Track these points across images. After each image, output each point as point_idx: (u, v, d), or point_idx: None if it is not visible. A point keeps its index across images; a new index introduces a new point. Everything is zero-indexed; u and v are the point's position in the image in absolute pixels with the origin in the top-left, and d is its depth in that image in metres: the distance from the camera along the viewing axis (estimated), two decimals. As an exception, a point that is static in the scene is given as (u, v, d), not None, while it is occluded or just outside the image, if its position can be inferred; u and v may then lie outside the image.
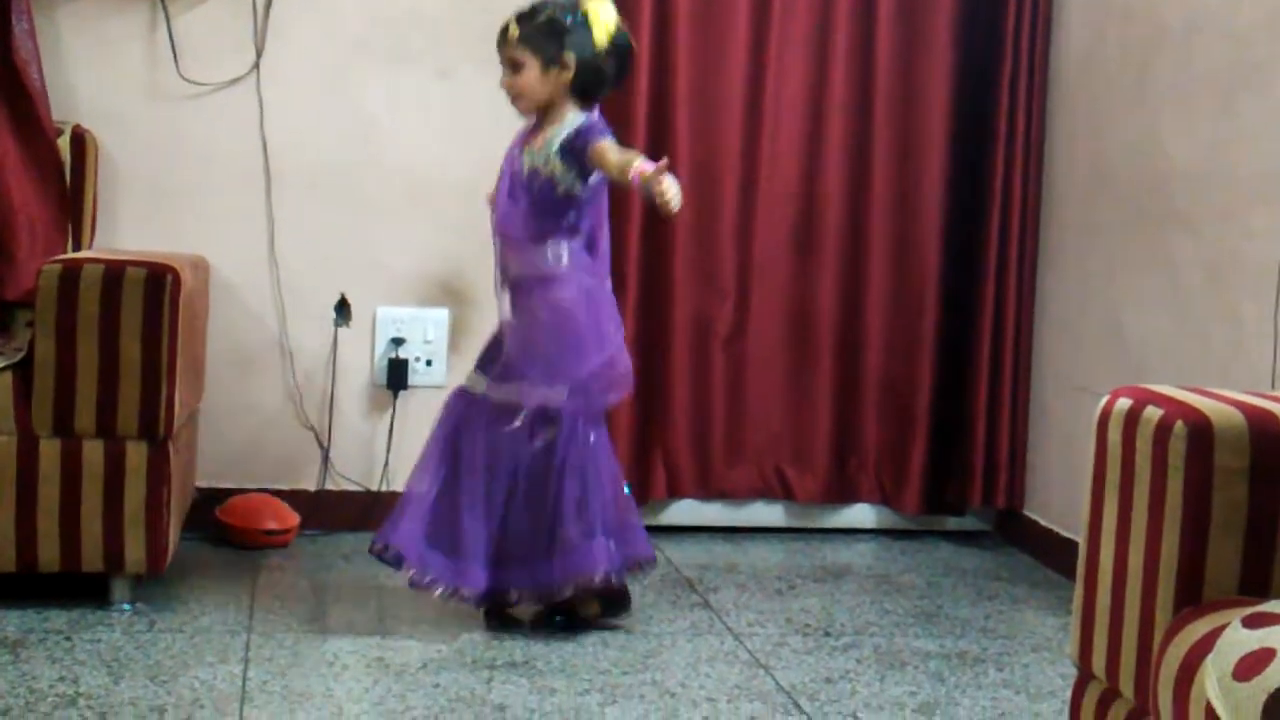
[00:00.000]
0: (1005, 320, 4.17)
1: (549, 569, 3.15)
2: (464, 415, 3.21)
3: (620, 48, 3.20)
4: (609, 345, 3.19)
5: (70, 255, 3.36)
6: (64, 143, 3.65)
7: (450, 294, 4.00)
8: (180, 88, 3.85)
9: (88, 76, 3.80)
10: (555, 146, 3.14)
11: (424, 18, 3.94)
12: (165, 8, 3.82)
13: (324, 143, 3.94)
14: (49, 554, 3.13)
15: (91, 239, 3.72)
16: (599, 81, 3.20)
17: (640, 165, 2.97)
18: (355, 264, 3.95)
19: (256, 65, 3.88)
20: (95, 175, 3.72)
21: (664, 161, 2.95)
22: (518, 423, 3.14)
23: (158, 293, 3.10)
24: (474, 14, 3.94)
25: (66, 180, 3.64)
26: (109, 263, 3.12)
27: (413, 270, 3.99)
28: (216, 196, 3.89)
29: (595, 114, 3.20)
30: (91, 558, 3.15)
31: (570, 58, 3.15)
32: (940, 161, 4.18)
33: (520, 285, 3.20)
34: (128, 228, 3.83)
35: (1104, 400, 2.11)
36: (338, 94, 3.94)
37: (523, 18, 3.20)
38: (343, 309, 3.95)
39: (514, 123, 3.93)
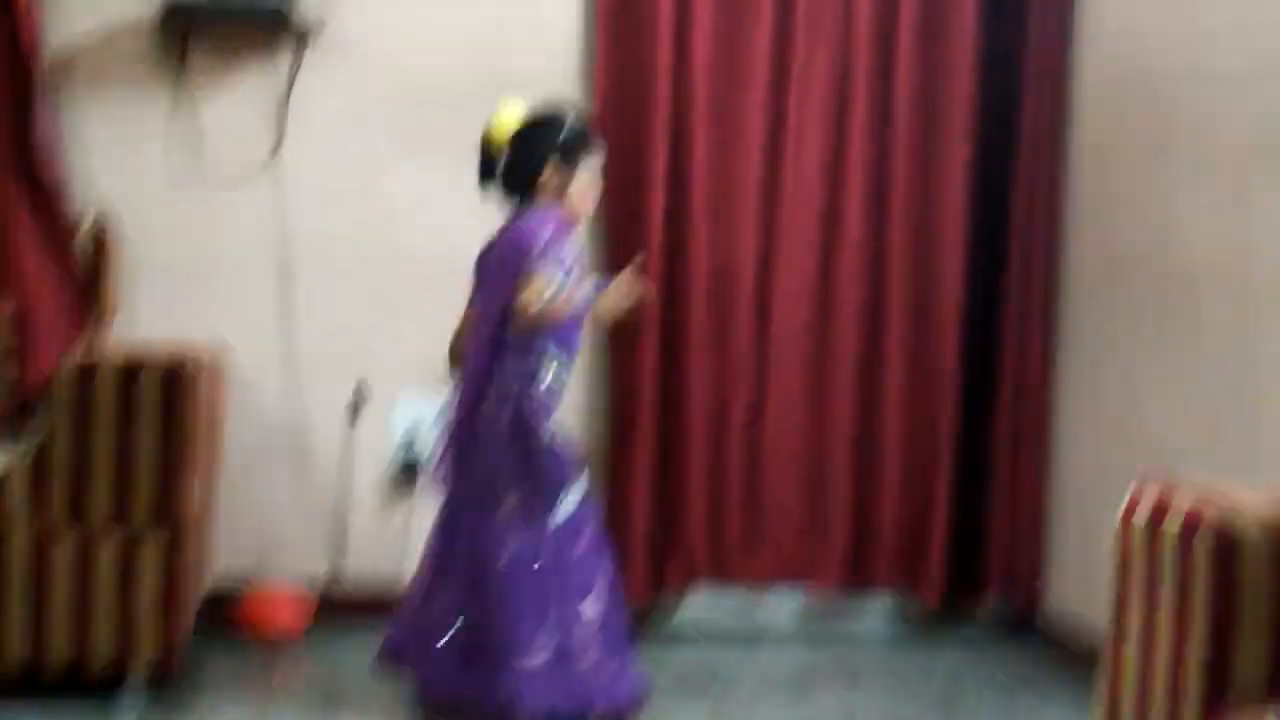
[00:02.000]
0: (1024, 411, 4.15)
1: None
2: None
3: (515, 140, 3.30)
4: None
5: (88, 348, 3.36)
6: (85, 232, 3.66)
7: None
8: (201, 178, 3.87)
9: (110, 166, 3.82)
10: None
11: (444, 103, 3.95)
12: (186, 98, 3.85)
13: (344, 229, 3.95)
14: (60, 647, 3.11)
15: (111, 326, 3.72)
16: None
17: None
18: (374, 351, 3.95)
19: (277, 153, 3.90)
20: (115, 264, 3.73)
21: None
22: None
23: (175, 386, 3.10)
24: (497, 95, 3.95)
25: (84, 270, 3.64)
26: (127, 356, 3.12)
27: (431, 357, 3.97)
28: (235, 285, 3.90)
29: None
30: (104, 651, 3.13)
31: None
32: (958, 248, 4.17)
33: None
34: (147, 316, 3.83)
35: (1126, 500, 2.09)
36: (359, 180, 3.96)
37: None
38: (360, 398, 3.94)
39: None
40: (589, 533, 3.20)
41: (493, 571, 3.09)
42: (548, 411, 3.17)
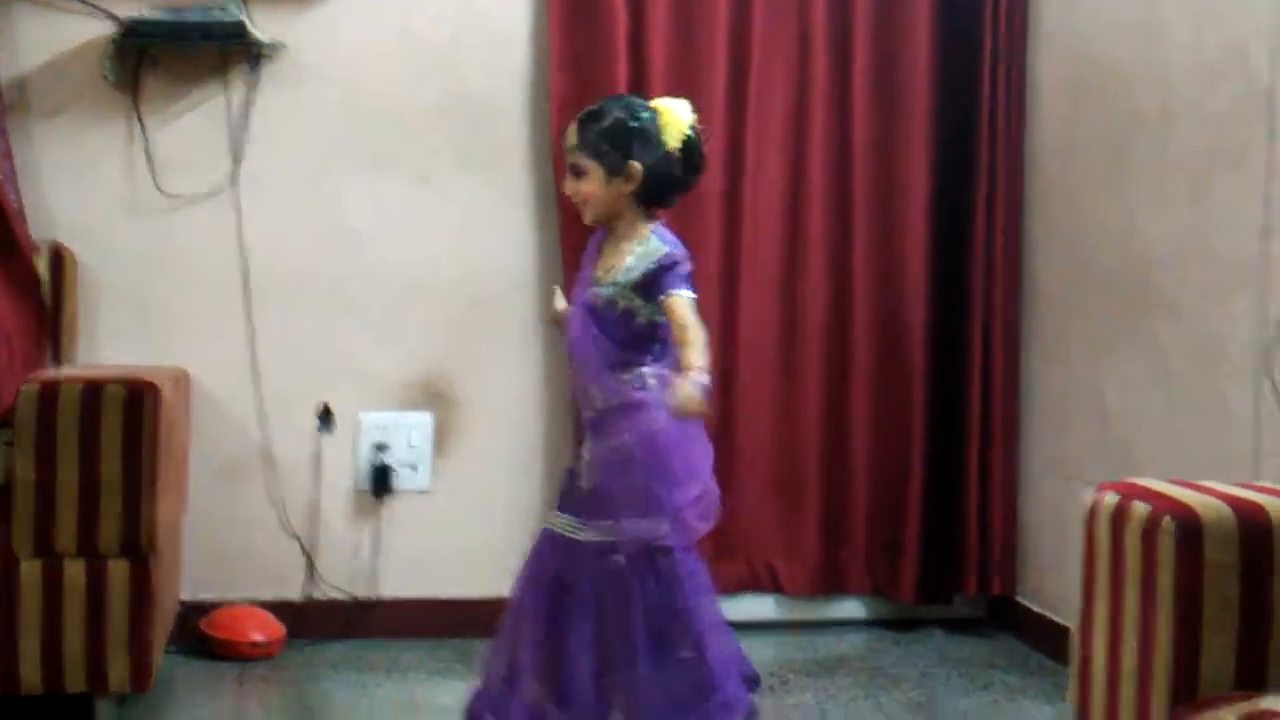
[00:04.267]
0: (993, 407, 4.17)
1: (700, 715, 2.90)
2: (564, 561, 2.93)
3: (692, 149, 2.97)
4: (701, 472, 2.97)
5: (49, 373, 3.34)
6: (43, 260, 3.64)
7: (434, 398, 3.99)
8: (158, 201, 3.85)
9: (66, 193, 3.80)
10: (631, 280, 2.91)
11: (403, 121, 3.95)
12: (142, 121, 3.83)
13: (304, 250, 3.94)
14: (31, 675, 3.08)
15: (73, 354, 3.71)
16: (669, 190, 2.98)
17: (696, 377, 2.77)
18: (337, 370, 3.94)
19: (234, 175, 3.89)
20: (75, 291, 3.72)
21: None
22: (620, 560, 2.89)
23: (137, 409, 3.08)
24: (454, 116, 3.97)
25: (45, 297, 3.63)
26: (87, 381, 3.10)
27: (395, 375, 3.98)
28: (197, 308, 3.88)
29: (672, 243, 2.95)
30: (74, 678, 3.10)
31: (636, 167, 2.91)
32: (921, 249, 4.18)
33: (607, 415, 2.94)
34: (108, 342, 3.82)
35: (1091, 496, 2.10)
36: (317, 201, 3.95)
37: (586, 119, 2.97)
38: (326, 417, 3.94)
39: (496, 225, 3.98)
40: None
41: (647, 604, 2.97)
42: None
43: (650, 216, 2.98)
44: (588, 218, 2.99)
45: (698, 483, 2.95)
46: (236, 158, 3.89)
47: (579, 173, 2.95)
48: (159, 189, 3.84)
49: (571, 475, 3.02)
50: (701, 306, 4.00)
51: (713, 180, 4.06)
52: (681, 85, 4.02)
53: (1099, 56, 3.84)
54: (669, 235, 2.96)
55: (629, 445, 2.91)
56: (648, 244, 2.92)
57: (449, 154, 3.97)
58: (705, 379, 2.77)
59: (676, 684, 2.88)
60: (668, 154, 2.93)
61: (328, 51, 3.91)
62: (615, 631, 2.86)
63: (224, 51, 3.84)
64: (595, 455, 2.95)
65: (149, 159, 3.84)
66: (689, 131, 2.95)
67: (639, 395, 2.91)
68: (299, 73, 3.90)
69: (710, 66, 4.05)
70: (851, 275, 4.17)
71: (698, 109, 3.91)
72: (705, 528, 2.99)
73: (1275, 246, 3.11)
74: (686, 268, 2.92)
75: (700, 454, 2.98)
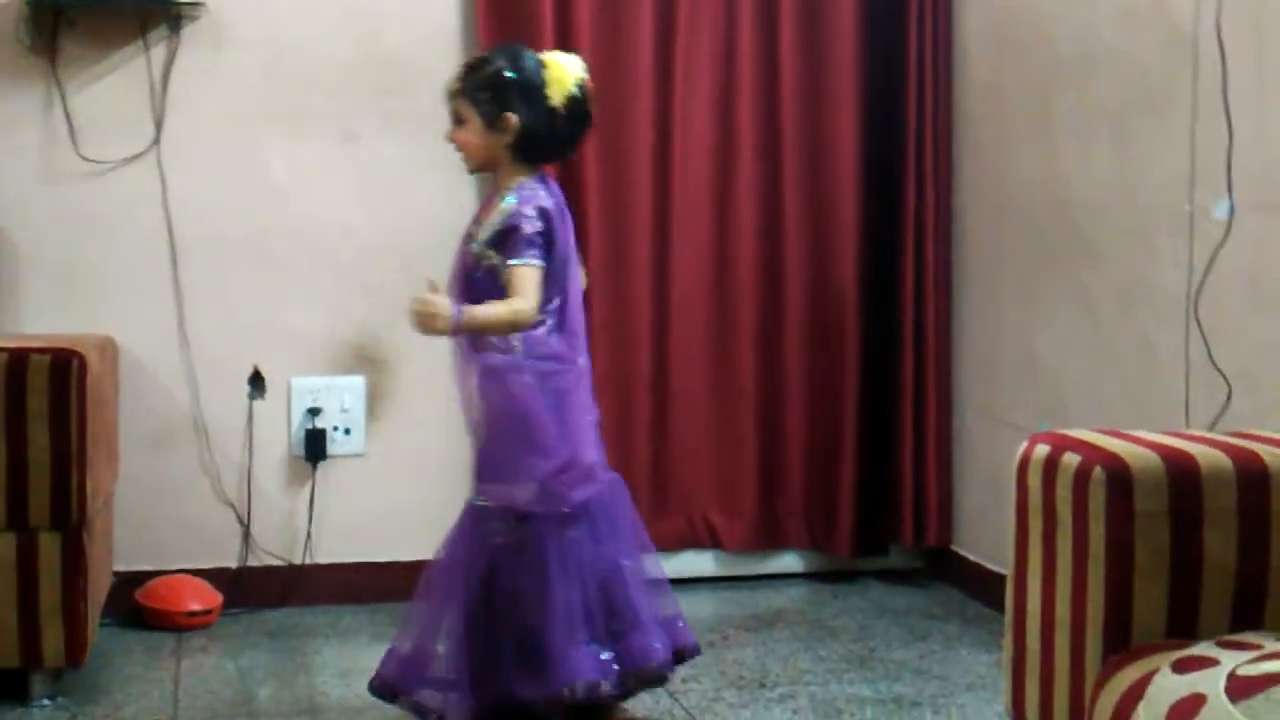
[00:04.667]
0: (925, 356, 4.19)
1: (527, 682, 2.83)
2: (463, 527, 2.93)
3: (577, 106, 2.90)
4: (571, 440, 2.89)
5: (-28, 344, 3.29)
6: (-39, 228, 3.58)
7: (366, 361, 3.96)
8: (79, 166, 3.79)
9: (-17, 158, 3.74)
10: (488, 237, 2.86)
11: (324, 81, 3.90)
12: (60, 86, 3.76)
13: (229, 213, 3.89)
14: (-37, 652, 3.05)
15: (-6, 324, 3.66)
16: (546, 146, 2.92)
17: (448, 305, 2.77)
18: (267, 335, 3.90)
19: (156, 139, 3.83)
20: (-5, 259, 3.66)
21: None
22: (496, 525, 2.87)
23: (63, 378, 3.04)
24: (375, 75, 3.92)
25: (-34, 267, 3.57)
26: (12, 351, 3.05)
27: (326, 338, 3.95)
28: (122, 274, 3.83)
29: (528, 200, 2.86)
30: (7, 653, 3.07)
31: (512, 120, 2.86)
32: (851, 196, 4.19)
33: (480, 375, 2.89)
34: (32, 311, 3.76)
35: (1022, 446, 2.11)
36: (241, 163, 3.89)
37: (469, 67, 2.95)
38: (256, 381, 3.90)
39: (422, 183, 3.94)
40: None
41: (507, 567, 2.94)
42: None
43: (531, 170, 2.92)
44: (467, 167, 2.98)
45: (565, 450, 2.87)
46: (158, 120, 3.83)
47: (458, 120, 2.92)
48: (79, 154, 3.78)
49: None
50: (633, 263, 4.07)
51: (641, 136, 4.05)
52: (609, 39, 4.01)
53: (1022, 4, 3.84)
54: (537, 192, 2.88)
55: (494, 408, 2.88)
56: (508, 200, 2.88)
57: (372, 112, 3.92)
58: (464, 317, 2.75)
59: (508, 653, 2.85)
60: (550, 109, 2.88)
61: (248, 11, 3.85)
62: (483, 600, 2.85)
63: (143, 12, 3.77)
64: (472, 420, 2.94)
65: (69, 124, 3.77)
66: (575, 89, 2.90)
67: (501, 358, 2.87)
68: (219, 33, 3.84)
69: (638, 21, 4.02)
70: (783, 229, 4.17)
71: (625, 61, 3.91)
72: (577, 498, 2.89)
73: (1200, 192, 3.14)
74: (533, 228, 2.83)
75: (573, 421, 2.90)
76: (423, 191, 3.94)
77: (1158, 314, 3.28)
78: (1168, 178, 3.24)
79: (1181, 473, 1.92)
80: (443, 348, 3.96)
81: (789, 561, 4.28)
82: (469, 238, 2.94)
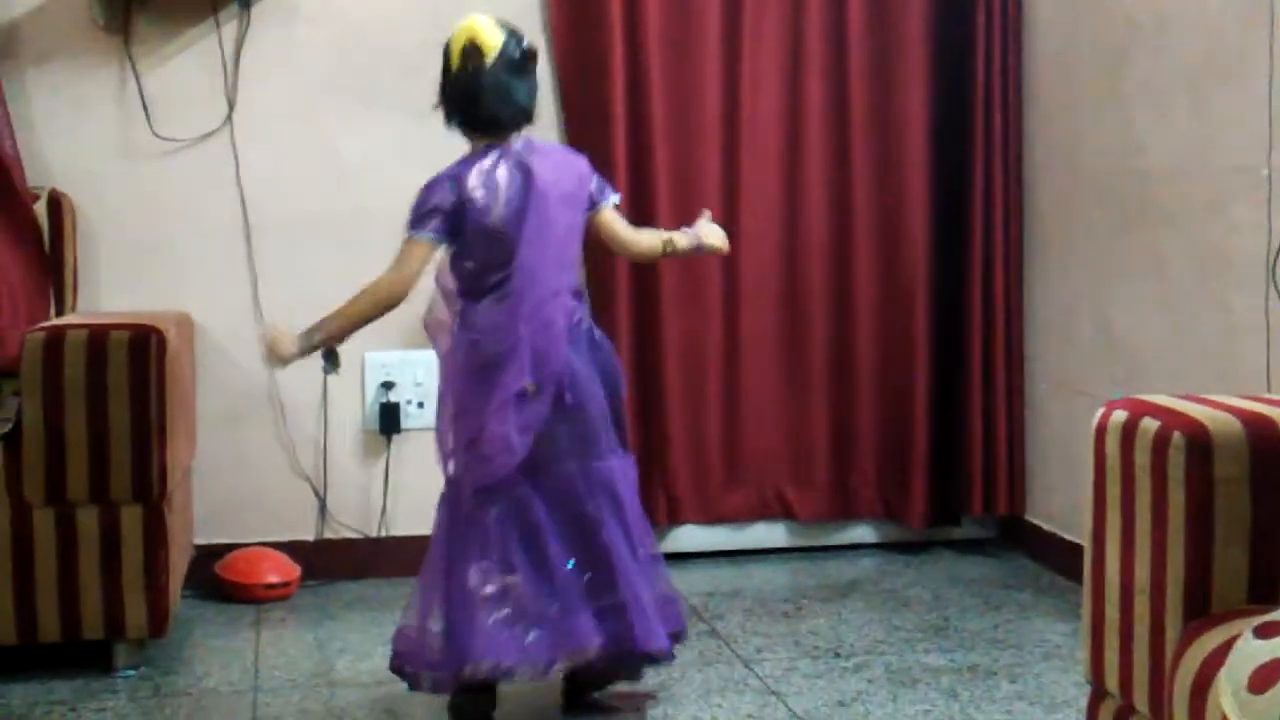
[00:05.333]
0: (995, 326, 4.16)
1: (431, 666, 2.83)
2: (441, 500, 2.97)
3: (468, 61, 2.82)
4: (478, 411, 2.80)
5: (53, 322, 3.34)
6: (41, 208, 3.63)
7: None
8: (154, 145, 3.83)
9: (61, 140, 3.78)
10: None
11: (395, 57, 3.92)
12: (134, 65, 3.81)
13: (302, 190, 3.92)
14: (49, 624, 3.11)
15: (74, 303, 3.70)
16: (459, 111, 2.86)
17: (280, 331, 2.87)
18: (339, 310, 3.92)
19: (229, 118, 3.86)
20: (74, 239, 3.71)
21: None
22: (459, 496, 2.87)
23: (143, 354, 3.08)
24: (445, 51, 3.93)
25: (46, 246, 3.62)
26: (92, 327, 3.10)
27: (399, 313, 3.94)
28: (197, 252, 3.87)
29: (460, 168, 2.86)
30: (92, 625, 3.13)
31: (438, 94, 2.88)
32: (920, 170, 4.17)
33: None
34: (110, 289, 3.81)
35: (1100, 412, 2.09)
36: (313, 140, 3.92)
37: None
38: (331, 356, 3.91)
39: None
40: None
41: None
42: None
43: (479, 140, 2.89)
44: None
45: (471, 421, 2.82)
46: (230, 99, 3.86)
47: None
48: (154, 133, 3.82)
49: None
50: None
51: (710, 108, 4.05)
52: (677, 17, 4.00)
53: (1097, -31, 3.81)
54: (466, 164, 2.86)
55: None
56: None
57: (442, 87, 3.94)
58: (315, 327, 2.82)
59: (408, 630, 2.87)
60: (454, 73, 2.85)
61: (320, -12, 3.88)
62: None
63: (215, -9, 3.81)
64: None
65: (143, 102, 3.81)
66: (468, 45, 2.83)
67: (442, 330, 2.93)
68: (290, 10, 3.87)
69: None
70: (852, 201, 4.16)
71: (694, 33, 3.90)
72: (485, 471, 2.81)
73: (1277, 157, 3.09)
74: (425, 202, 2.85)
75: (481, 392, 2.81)
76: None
77: (1236, 280, 3.24)
78: (1245, 142, 3.20)
79: (1262, 437, 1.90)
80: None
81: (861, 532, 4.27)
82: None
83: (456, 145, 3.91)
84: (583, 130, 3.97)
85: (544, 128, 3.95)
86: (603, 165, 3.92)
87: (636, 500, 2.96)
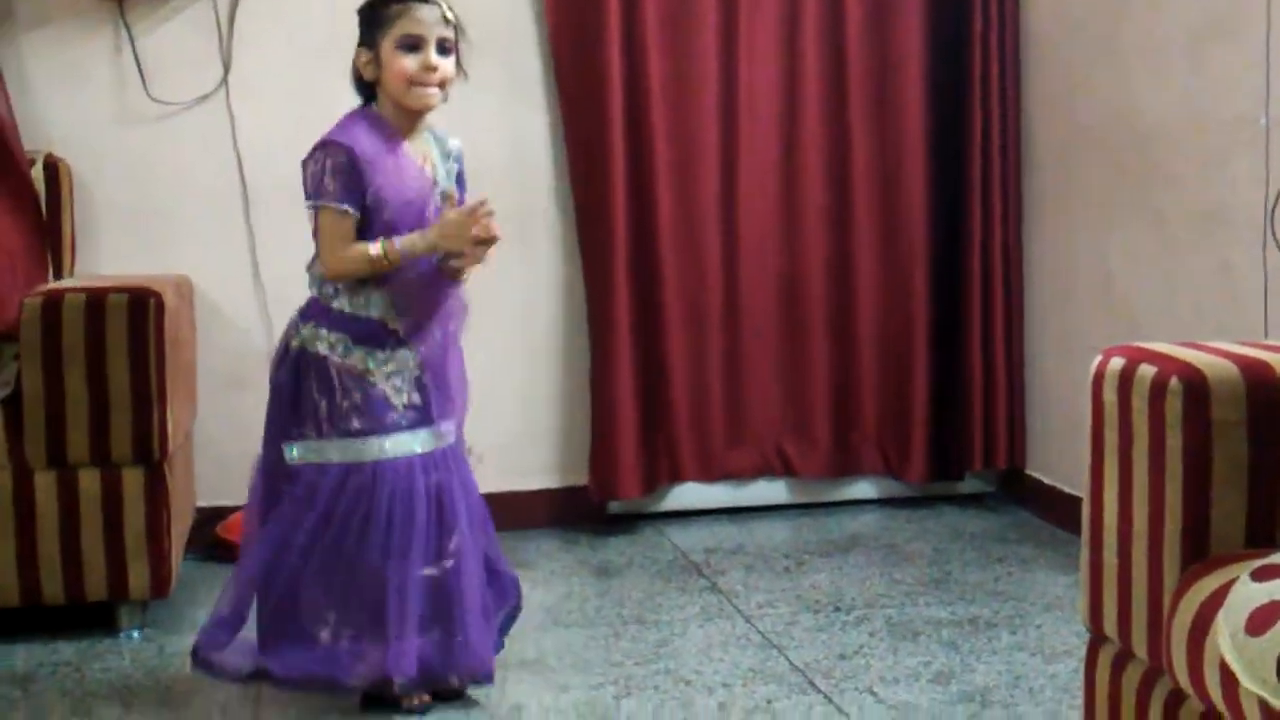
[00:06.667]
0: (994, 282, 4.16)
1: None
2: None
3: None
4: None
5: (51, 285, 3.34)
6: (37, 172, 3.62)
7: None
8: (150, 109, 3.82)
9: (56, 104, 3.78)
10: (449, 178, 2.93)
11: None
12: (129, 29, 3.79)
13: (298, 153, 3.87)
14: (52, 586, 3.12)
15: (73, 267, 3.70)
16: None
17: None
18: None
19: (225, 81, 3.86)
20: (71, 203, 3.71)
21: None
22: None
23: (141, 317, 3.08)
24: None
25: (43, 210, 3.62)
26: (90, 290, 3.10)
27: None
28: (195, 215, 3.87)
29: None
30: (95, 587, 3.14)
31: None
32: (919, 128, 4.16)
33: None
34: (108, 253, 3.81)
35: (1097, 360, 2.09)
36: (308, 103, 3.88)
37: None
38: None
39: (492, 120, 3.94)
40: None
41: None
42: None
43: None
44: (435, 102, 2.79)
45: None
46: (226, 61, 3.85)
47: (447, 51, 2.77)
48: (150, 95, 3.81)
49: None
50: (701, 202, 4.05)
51: (707, 72, 4.03)
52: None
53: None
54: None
55: None
56: (453, 141, 2.98)
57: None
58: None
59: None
60: None
61: (314, -51, 3.86)
62: None
63: (209, -47, 3.80)
64: None
65: (138, 66, 3.81)
66: None
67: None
68: (285, -29, 3.86)
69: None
70: (850, 157, 4.15)
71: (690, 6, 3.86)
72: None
73: (1275, 110, 3.09)
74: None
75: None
76: (489, 133, 3.95)
77: (1234, 234, 3.24)
78: (1243, 98, 3.19)
79: (1259, 382, 1.90)
80: (508, 287, 4.01)
81: (862, 488, 4.28)
82: (434, 184, 2.87)
83: (447, 111, 3.93)
84: (577, 103, 3.99)
85: (535, 81, 3.97)
86: (599, 133, 3.93)
87: None
